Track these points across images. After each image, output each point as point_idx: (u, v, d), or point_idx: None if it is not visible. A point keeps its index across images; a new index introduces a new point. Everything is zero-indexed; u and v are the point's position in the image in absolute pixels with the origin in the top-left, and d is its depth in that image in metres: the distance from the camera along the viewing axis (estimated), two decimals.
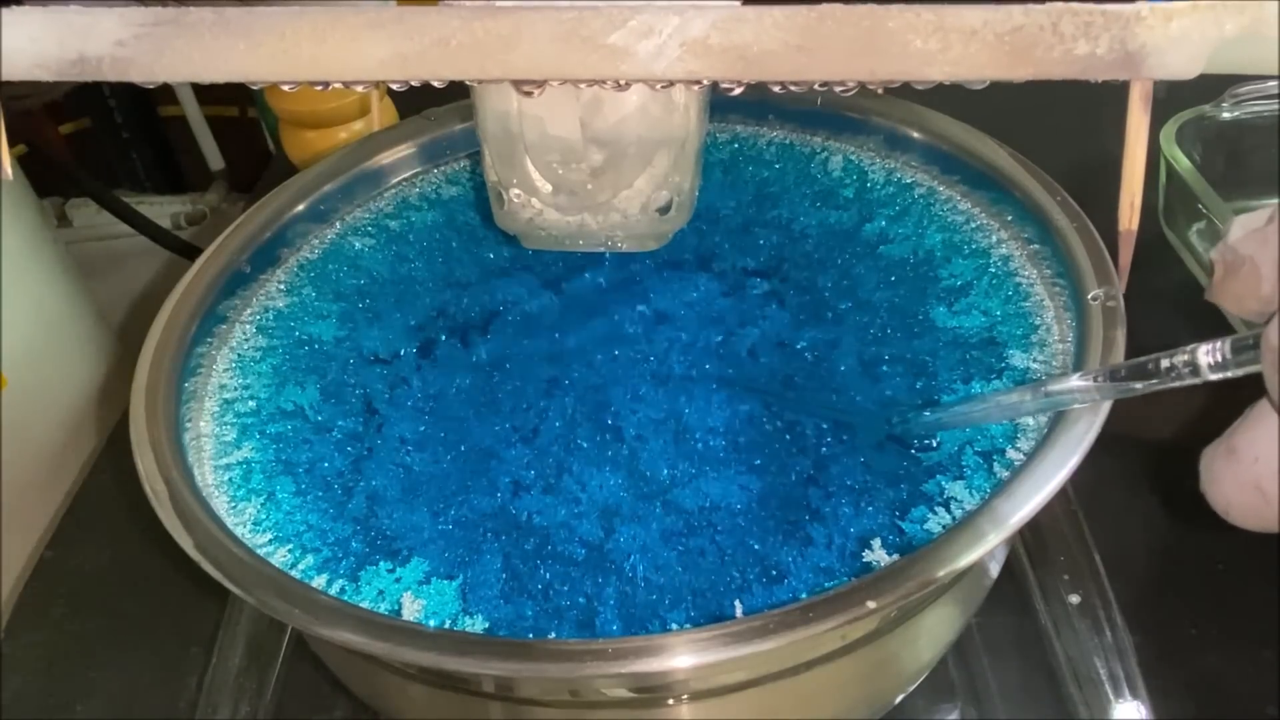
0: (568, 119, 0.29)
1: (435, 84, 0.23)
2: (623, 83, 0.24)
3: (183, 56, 0.21)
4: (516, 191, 0.33)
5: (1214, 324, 0.50)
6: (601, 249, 0.35)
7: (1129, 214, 0.22)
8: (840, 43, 0.20)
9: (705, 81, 0.22)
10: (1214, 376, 0.22)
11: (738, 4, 0.21)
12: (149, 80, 0.22)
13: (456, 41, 0.21)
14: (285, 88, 0.23)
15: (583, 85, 0.28)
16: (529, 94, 0.28)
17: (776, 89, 0.22)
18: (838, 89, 0.22)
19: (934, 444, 0.32)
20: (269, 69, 0.22)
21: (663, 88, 0.28)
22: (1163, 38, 0.20)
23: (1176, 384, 0.23)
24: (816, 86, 0.22)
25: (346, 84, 0.23)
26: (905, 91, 0.22)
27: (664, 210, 0.33)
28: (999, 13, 0.20)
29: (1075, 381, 0.26)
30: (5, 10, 0.21)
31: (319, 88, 0.23)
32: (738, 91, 0.22)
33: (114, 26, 0.21)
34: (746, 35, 0.21)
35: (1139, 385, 0.24)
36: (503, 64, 0.21)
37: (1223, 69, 0.20)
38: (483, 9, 0.21)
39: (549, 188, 0.32)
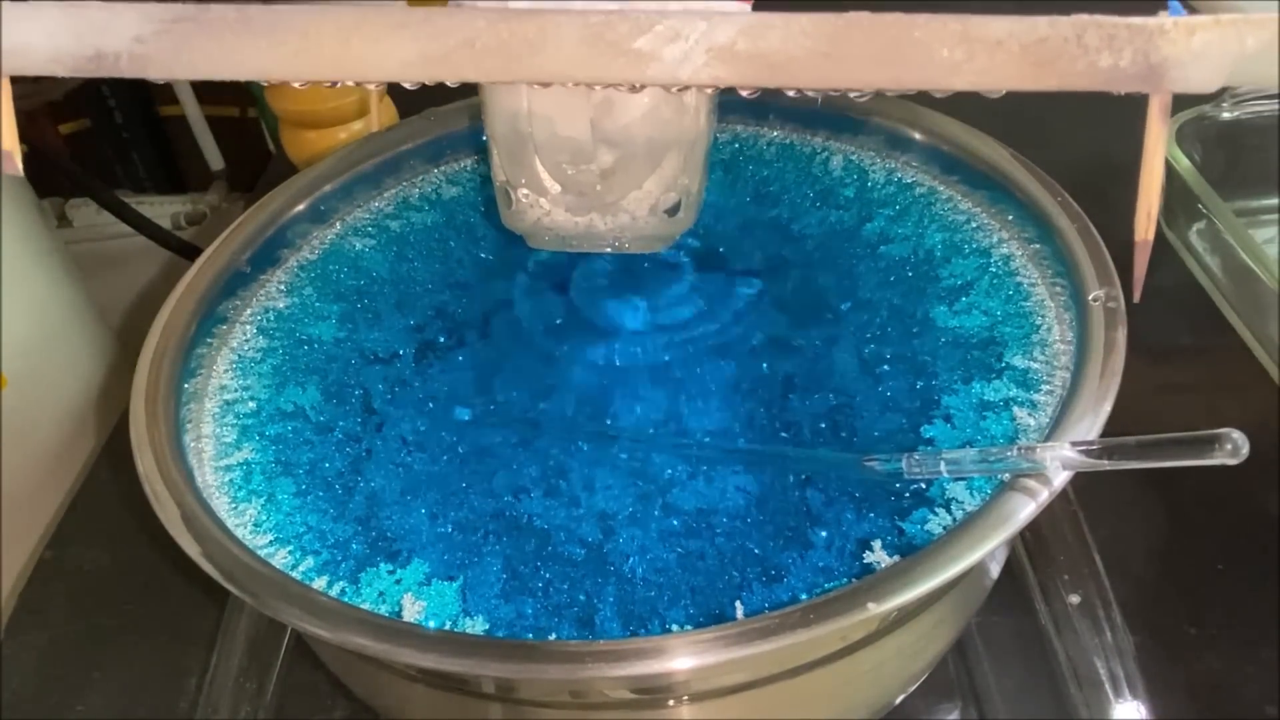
0: (578, 120, 0.29)
1: (450, 82, 0.23)
2: (638, 85, 0.24)
3: (203, 53, 0.21)
4: (525, 191, 0.33)
5: (1213, 324, 0.50)
6: (608, 250, 0.35)
7: (1145, 224, 0.22)
8: (867, 51, 0.20)
9: (729, 88, 0.22)
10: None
11: (747, 7, 0.21)
12: (168, 77, 0.22)
13: (481, 44, 0.21)
14: (297, 85, 0.23)
15: (598, 86, 0.28)
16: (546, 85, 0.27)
17: (792, 93, 0.22)
18: (854, 94, 0.22)
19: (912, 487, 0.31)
20: (290, 68, 0.22)
21: (678, 90, 0.28)
22: (1185, 51, 0.20)
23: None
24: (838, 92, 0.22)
25: (367, 83, 0.22)
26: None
27: (672, 211, 0.33)
28: (1024, 24, 0.20)
29: (1050, 450, 0.26)
30: (21, 5, 0.21)
31: (328, 84, 0.23)
32: (751, 94, 0.22)
33: (133, 22, 0.21)
34: (774, 42, 0.20)
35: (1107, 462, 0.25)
36: (528, 67, 0.21)
37: (1241, 83, 0.20)
38: (509, 12, 0.21)
39: (558, 188, 0.32)
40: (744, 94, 0.22)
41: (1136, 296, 0.24)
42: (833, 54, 0.20)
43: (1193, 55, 0.20)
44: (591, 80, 0.21)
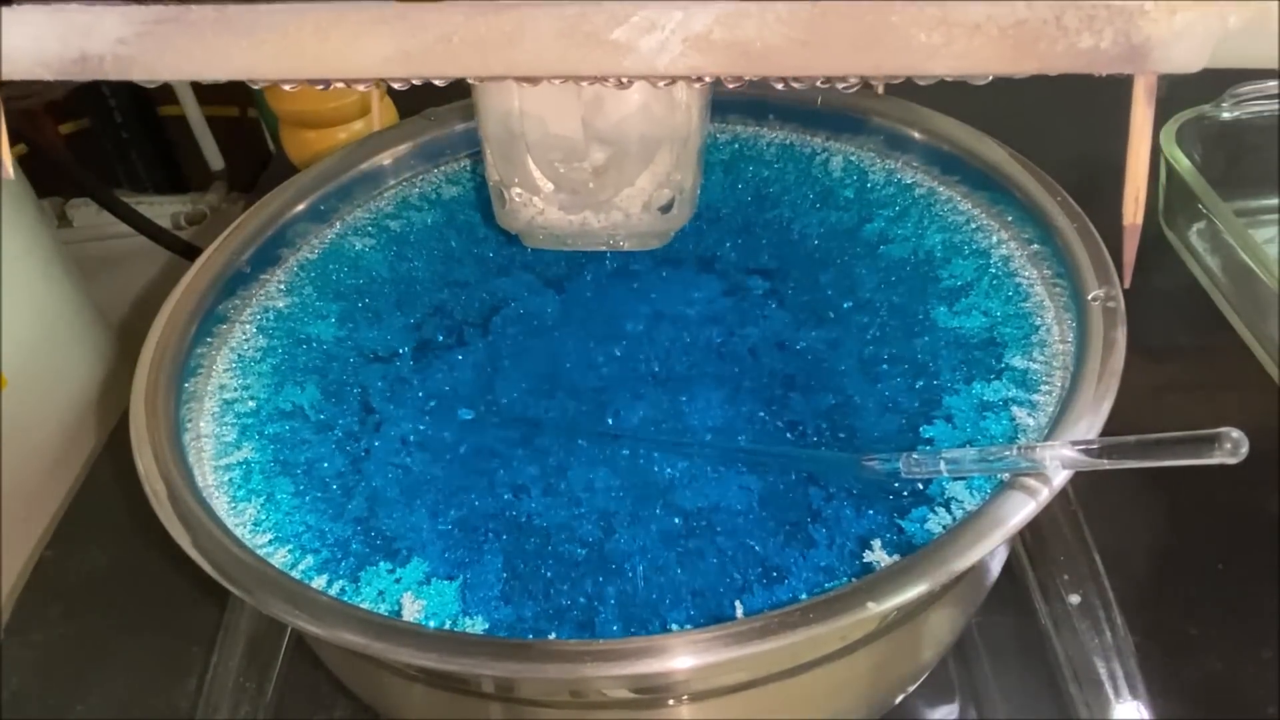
0: (570, 118, 0.29)
1: (437, 82, 0.23)
2: (625, 80, 0.24)
3: (185, 54, 0.21)
4: (518, 191, 0.33)
5: (1213, 324, 0.50)
6: (603, 248, 0.35)
7: (1133, 208, 0.22)
8: (844, 37, 0.20)
9: (708, 77, 0.22)
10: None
11: None
12: (151, 79, 0.22)
13: (459, 38, 0.21)
14: (286, 87, 0.23)
15: (585, 84, 0.28)
16: (534, 82, 0.27)
17: (779, 85, 0.22)
18: (840, 85, 0.22)
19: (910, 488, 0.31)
20: (271, 67, 0.22)
21: (665, 85, 0.28)
22: (1167, 31, 0.20)
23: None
24: (819, 83, 0.22)
25: (349, 82, 0.22)
26: (905, 91, 0.22)
27: (666, 208, 0.33)
28: (1002, 7, 0.20)
29: (1052, 449, 0.26)
30: (7, 9, 0.21)
31: (320, 87, 0.23)
32: (738, 86, 0.22)
33: (116, 24, 0.21)
34: (749, 30, 0.20)
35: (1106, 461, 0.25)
36: (506, 61, 0.21)
37: (1224, 63, 0.20)
38: (486, 6, 0.21)
39: (551, 187, 0.32)
40: (730, 85, 0.22)
41: (1126, 283, 0.24)
42: (810, 41, 0.20)
43: (1174, 35, 0.20)
44: (569, 73, 0.21)
